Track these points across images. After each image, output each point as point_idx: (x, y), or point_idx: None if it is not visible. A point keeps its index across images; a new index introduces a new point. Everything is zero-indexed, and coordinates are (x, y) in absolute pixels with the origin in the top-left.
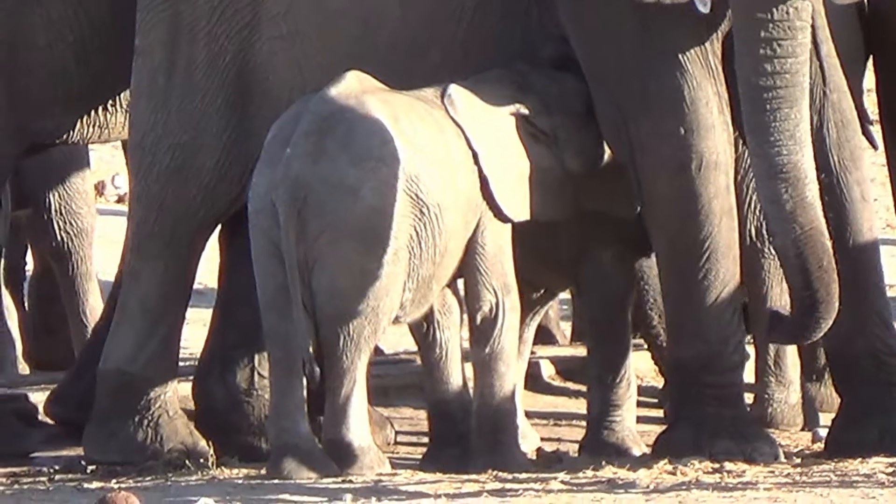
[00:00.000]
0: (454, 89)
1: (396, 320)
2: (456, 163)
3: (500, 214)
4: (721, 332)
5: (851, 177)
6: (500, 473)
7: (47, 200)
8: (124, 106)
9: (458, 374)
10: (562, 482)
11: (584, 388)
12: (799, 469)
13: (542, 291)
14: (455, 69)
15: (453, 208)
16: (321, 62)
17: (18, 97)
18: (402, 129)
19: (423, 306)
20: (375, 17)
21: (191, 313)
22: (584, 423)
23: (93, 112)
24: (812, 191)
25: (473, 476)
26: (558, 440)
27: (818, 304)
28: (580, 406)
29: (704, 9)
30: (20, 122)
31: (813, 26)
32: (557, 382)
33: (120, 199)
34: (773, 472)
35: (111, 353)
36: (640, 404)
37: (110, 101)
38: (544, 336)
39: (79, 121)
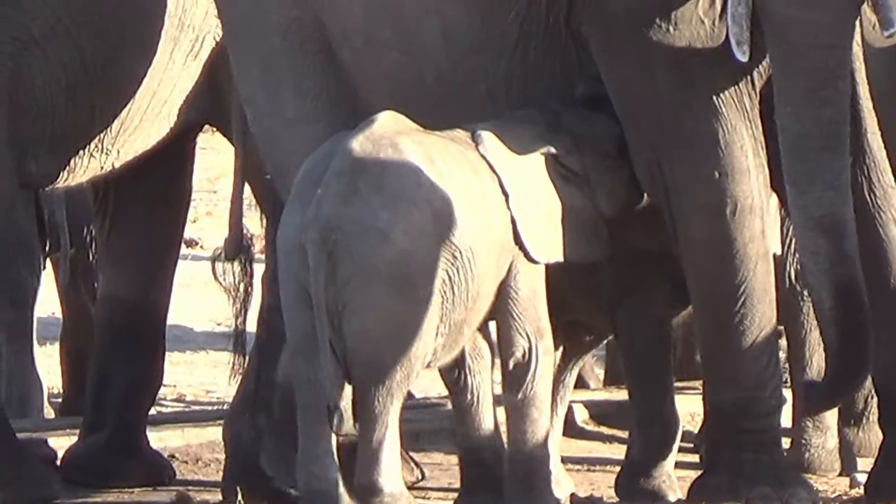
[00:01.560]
0: (484, 130)
1: (428, 365)
2: (490, 205)
3: (528, 256)
4: (757, 377)
5: (886, 216)
6: None
7: (90, 239)
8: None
9: (489, 419)
10: None
11: (618, 433)
12: None
13: (595, 334)
14: (499, 103)
15: (487, 252)
16: (369, 93)
17: (16, 135)
18: (437, 170)
19: (455, 350)
20: (420, 47)
21: (217, 356)
22: (618, 468)
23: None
24: (851, 243)
25: None
26: (592, 485)
27: (852, 361)
28: (614, 451)
29: (743, 57)
30: (16, 162)
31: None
32: (591, 427)
33: None
34: None
35: None
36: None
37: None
38: (577, 380)
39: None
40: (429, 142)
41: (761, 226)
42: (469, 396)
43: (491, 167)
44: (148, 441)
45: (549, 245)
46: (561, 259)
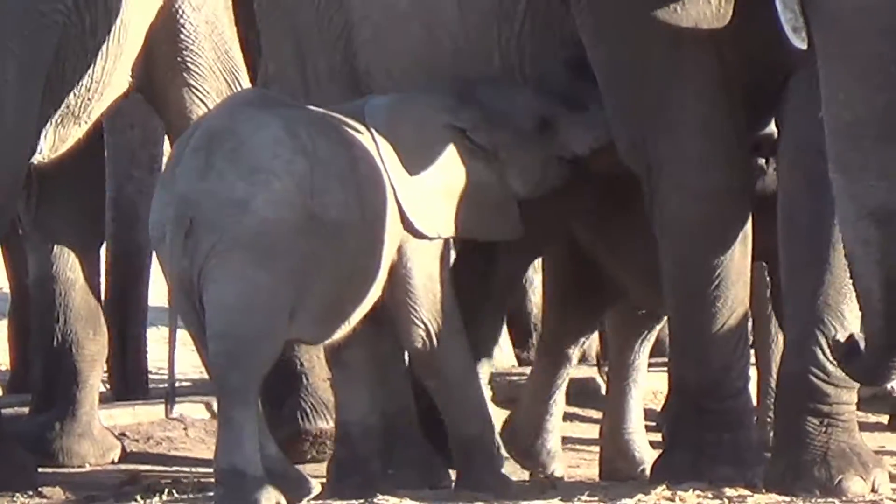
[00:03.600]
0: (378, 102)
1: (304, 341)
2: (365, 179)
3: (411, 229)
4: (725, 358)
5: None
6: (499, 501)
7: None
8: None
9: (361, 396)
10: None
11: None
12: (802, 494)
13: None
14: (515, 75)
15: (358, 226)
16: (390, 68)
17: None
18: (300, 143)
19: (339, 328)
20: (436, 20)
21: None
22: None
23: None
24: None
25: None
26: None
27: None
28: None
29: (802, 44)
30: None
31: None
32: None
33: None
34: (774, 497)
35: None
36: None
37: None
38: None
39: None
40: (292, 115)
41: (741, 209)
42: (344, 371)
43: (374, 140)
44: (98, 419)
45: (441, 220)
46: (455, 234)
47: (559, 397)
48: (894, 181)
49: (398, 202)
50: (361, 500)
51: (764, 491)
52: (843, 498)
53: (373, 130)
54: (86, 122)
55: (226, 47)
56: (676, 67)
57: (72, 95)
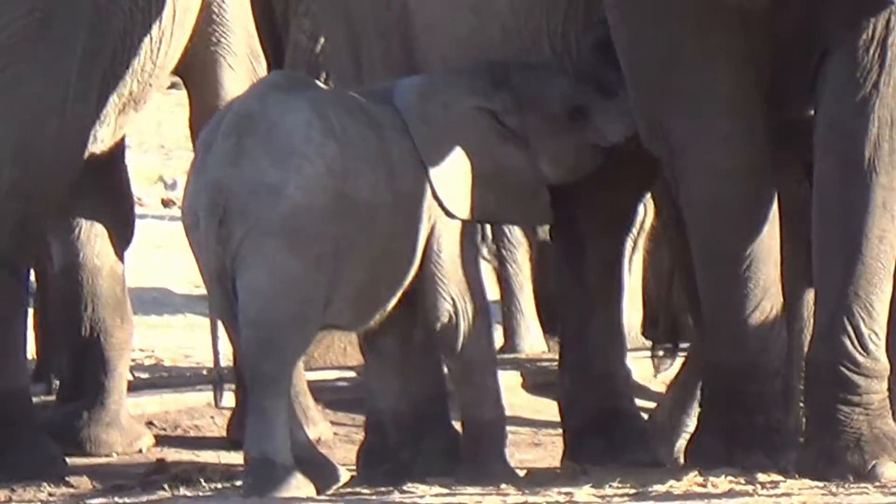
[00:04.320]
0: (407, 83)
1: (339, 328)
2: (396, 160)
3: (446, 212)
4: (761, 340)
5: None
6: (526, 487)
7: None
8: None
9: (396, 382)
10: (588, 494)
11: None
12: (835, 480)
13: None
14: (563, 60)
15: (391, 208)
16: (445, 55)
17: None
18: (329, 126)
19: (373, 314)
20: (486, 6)
21: (195, 319)
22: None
23: None
24: None
25: (494, 488)
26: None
27: None
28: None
29: None
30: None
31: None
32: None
33: None
34: (807, 483)
35: None
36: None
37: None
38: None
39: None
40: (322, 97)
41: (767, 188)
42: (377, 359)
43: (402, 121)
44: (126, 408)
45: (470, 201)
46: (484, 218)
47: None
48: None
49: (430, 182)
50: (391, 488)
51: (797, 477)
52: (877, 483)
53: (402, 111)
54: (142, 107)
55: (251, 30)
56: (702, 48)
57: (135, 82)
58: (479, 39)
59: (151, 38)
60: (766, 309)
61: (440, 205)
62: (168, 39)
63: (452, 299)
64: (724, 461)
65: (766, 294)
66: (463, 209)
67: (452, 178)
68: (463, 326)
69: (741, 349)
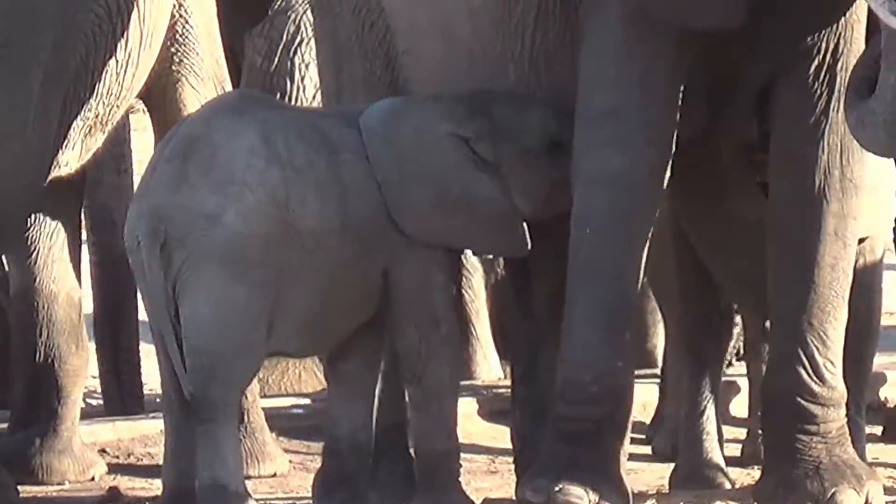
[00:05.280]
0: (379, 104)
1: (288, 355)
2: (347, 184)
3: (407, 238)
4: (590, 365)
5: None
6: None
7: None
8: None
9: (357, 409)
10: None
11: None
12: None
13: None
14: (529, 87)
15: (339, 236)
16: (421, 79)
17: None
18: (274, 151)
19: (326, 340)
20: (451, 31)
21: (150, 347)
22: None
23: None
24: None
25: None
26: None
27: None
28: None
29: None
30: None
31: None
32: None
33: None
34: None
35: None
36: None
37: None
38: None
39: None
40: (272, 120)
41: (643, 200)
42: (339, 385)
43: (363, 143)
44: (79, 436)
45: (435, 227)
46: (453, 245)
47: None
48: None
49: (387, 205)
50: None
51: None
52: None
53: (365, 132)
54: (109, 130)
55: (218, 54)
56: (626, 59)
57: (101, 105)
58: (448, 65)
59: (117, 61)
60: (605, 325)
61: (401, 232)
62: (135, 62)
63: (415, 328)
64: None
65: (603, 312)
66: (423, 232)
67: (413, 202)
68: (425, 354)
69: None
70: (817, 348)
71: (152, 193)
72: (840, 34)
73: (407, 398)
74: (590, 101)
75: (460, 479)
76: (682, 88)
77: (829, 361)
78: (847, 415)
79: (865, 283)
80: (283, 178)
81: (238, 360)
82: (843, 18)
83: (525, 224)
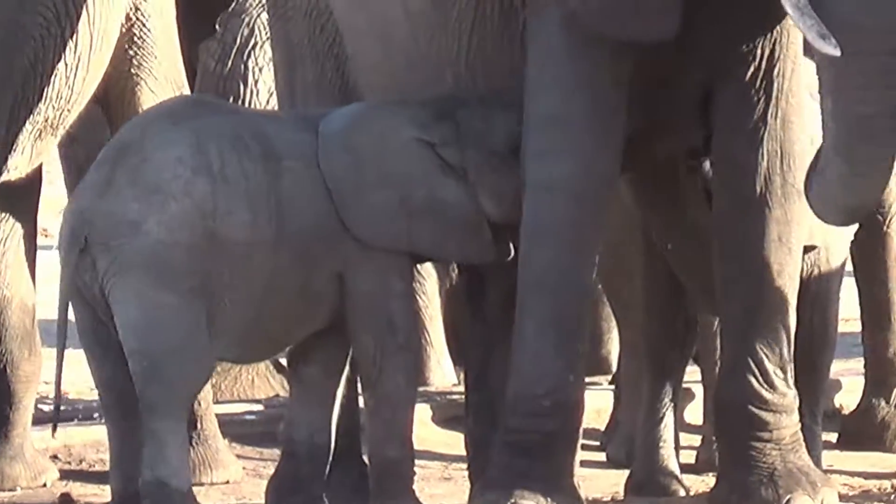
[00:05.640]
0: (343, 110)
1: (233, 361)
2: (285, 193)
3: (362, 245)
4: (539, 376)
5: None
6: None
7: None
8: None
9: (317, 413)
10: None
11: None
12: None
13: None
14: (466, 91)
15: (273, 245)
16: (370, 83)
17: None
18: (205, 161)
19: (270, 347)
20: (389, 35)
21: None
22: None
23: None
24: None
25: None
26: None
27: None
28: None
29: (836, 51)
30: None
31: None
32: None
33: None
34: None
35: None
36: (581, 447)
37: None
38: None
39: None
40: (210, 128)
41: (581, 208)
42: (299, 388)
43: (317, 149)
44: (31, 442)
45: (394, 233)
46: (416, 251)
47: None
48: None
49: (340, 212)
50: None
51: None
52: None
53: (321, 139)
54: (61, 134)
55: (177, 58)
56: (560, 69)
57: (50, 108)
58: (388, 68)
59: (67, 64)
60: (549, 344)
61: (353, 235)
62: (85, 65)
63: (372, 334)
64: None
65: (550, 326)
66: (380, 239)
67: (373, 208)
68: (381, 362)
69: (515, 379)
70: (766, 355)
71: (80, 197)
72: (776, 40)
73: (362, 404)
74: (535, 107)
75: (414, 486)
76: (624, 95)
77: (778, 368)
78: (802, 423)
79: (821, 294)
80: (211, 187)
81: (177, 360)
82: (779, 24)
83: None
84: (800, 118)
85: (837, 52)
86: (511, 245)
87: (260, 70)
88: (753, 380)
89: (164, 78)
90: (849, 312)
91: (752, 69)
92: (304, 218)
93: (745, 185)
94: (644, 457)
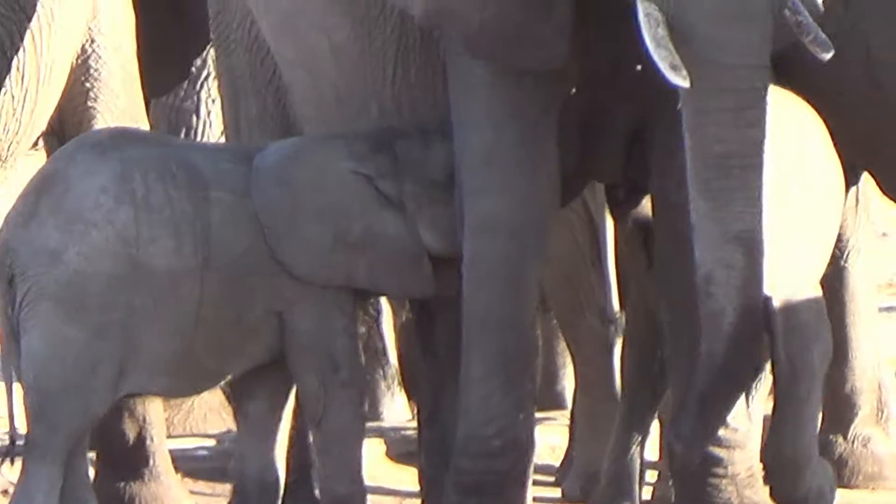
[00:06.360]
0: (280, 143)
1: (161, 395)
2: (214, 224)
3: (299, 279)
4: (485, 413)
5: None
6: None
7: None
8: None
9: (263, 447)
10: None
11: None
12: None
13: None
14: (394, 122)
15: (200, 274)
16: (302, 116)
17: None
18: (129, 189)
19: (202, 381)
20: (317, 67)
21: None
22: None
23: None
24: (763, 264)
25: None
26: None
27: (733, 380)
28: None
29: (685, 82)
30: None
31: None
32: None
33: None
34: None
35: None
36: (536, 483)
37: None
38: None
39: None
40: (135, 158)
41: (519, 247)
42: (246, 423)
43: (249, 183)
44: None
45: (331, 268)
46: (355, 285)
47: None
48: (759, 210)
49: (272, 246)
50: None
51: None
52: None
53: (255, 173)
54: (11, 166)
55: (135, 92)
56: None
57: None
58: (316, 99)
59: (13, 98)
60: (495, 383)
61: (286, 269)
62: (33, 97)
63: (314, 371)
64: None
65: (497, 365)
66: (317, 274)
67: (308, 243)
68: (326, 398)
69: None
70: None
71: (6, 227)
72: None
73: (311, 440)
74: (466, 143)
75: None
76: (554, 123)
77: None
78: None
79: None
80: (134, 214)
81: (68, 400)
82: None
83: (431, 264)
84: None
85: (687, 84)
86: (455, 278)
87: (213, 101)
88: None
89: (121, 112)
90: None
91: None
92: (234, 250)
93: (681, 225)
94: (607, 487)
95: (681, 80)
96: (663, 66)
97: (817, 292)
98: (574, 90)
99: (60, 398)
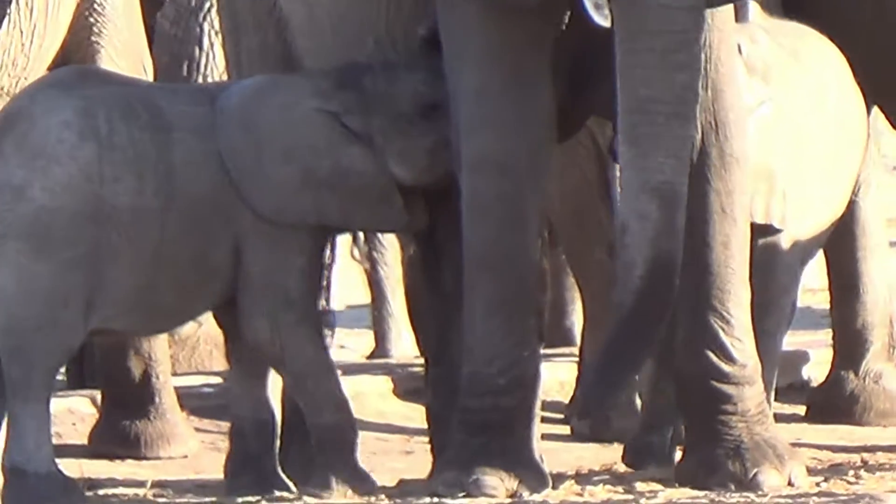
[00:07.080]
0: (242, 83)
1: (129, 332)
2: (176, 163)
3: (260, 218)
4: (489, 350)
5: (715, 191)
6: (397, 496)
7: None
8: None
9: (256, 388)
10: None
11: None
12: (716, 489)
13: None
14: (387, 55)
15: (162, 213)
16: (305, 47)
17: None
18: (93, 126)
19: (166, 319)
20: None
21: None
22: None
23: None
24: (681, 218)
25: (366, 499)
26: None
27: (639, 334)
28: None
29: (605, 22)
30: None
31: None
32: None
33: None
34: (687, 492)
35: None
36: (545, 420)
37: None
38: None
39: None
40: (98, 97)
41: (514, 185)
42: (239, 366)
43: (211, 124)
44: None
45: (298, 206)
46: (326, 223)
47: None
48: (682, 162)
49: (236, 186)
50: (258, 497)
51: (677, 486)
52: (759, 492)
53: (220, 114)
54: None
55: (137, 26)
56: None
57: (6, 76)
58: (312, 31)
59: (22, 32)
60: (498, 319)
61: (250, 209)
62: (41, 32)
63: (268, 315)
64: None
65: (498, 302)
66: (287, 215)
67: (274, 184)
68: (282, 340)
69: (468, 359)
70: (721, 328)
71: None
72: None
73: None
74: (458, 81)
75: (356, 449)
76: (546, 59)
77: (735, 339)
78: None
79: (763, 263)
80: (98, 153)
81: (43, 337)
82: None
83: (404, 197)
84: (732, 87)
85: (608, 24)
86: (427, 211)
87: (216, 33)
88: (711, 354)
89: (124, 46)
90: (817, 284)
91: None
92: (196, 190)
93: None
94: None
95: (602, 20)
96: (589, 6)
97: None
98: (565, 27)
99: (36, 335)
